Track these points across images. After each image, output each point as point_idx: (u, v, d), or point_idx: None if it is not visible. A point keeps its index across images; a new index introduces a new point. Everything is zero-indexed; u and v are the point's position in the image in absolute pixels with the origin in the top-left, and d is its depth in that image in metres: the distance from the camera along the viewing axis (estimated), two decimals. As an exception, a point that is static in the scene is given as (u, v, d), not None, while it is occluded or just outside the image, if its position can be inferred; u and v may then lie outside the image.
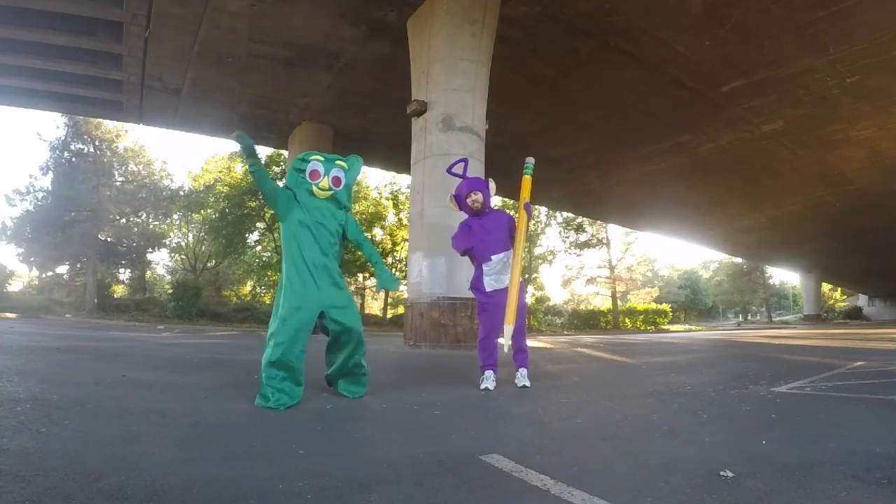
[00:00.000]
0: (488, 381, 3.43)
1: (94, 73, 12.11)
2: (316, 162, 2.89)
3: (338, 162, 2.96)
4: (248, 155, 2.83)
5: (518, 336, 3.48)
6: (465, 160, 3.82)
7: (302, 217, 2.87)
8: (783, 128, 13.77)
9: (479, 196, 3.56)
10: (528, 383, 3.44)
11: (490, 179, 3.68)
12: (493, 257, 3.53)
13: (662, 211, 22.49)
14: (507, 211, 3.61)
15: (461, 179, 3.69)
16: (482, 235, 3.56)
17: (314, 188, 2.88)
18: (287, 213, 2.88)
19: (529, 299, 27.47)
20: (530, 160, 3.79)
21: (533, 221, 27.73)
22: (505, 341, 3.38)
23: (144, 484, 1.40)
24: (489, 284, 3.54)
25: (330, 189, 2.91)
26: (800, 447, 1.97)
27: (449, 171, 3.81)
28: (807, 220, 23.20)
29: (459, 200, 3.65)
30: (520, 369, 3.54)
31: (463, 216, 3.75)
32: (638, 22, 9.39)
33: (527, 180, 3.71)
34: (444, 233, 5.98)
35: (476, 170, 7.61)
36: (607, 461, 1.80)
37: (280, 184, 3.00)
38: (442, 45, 8.25)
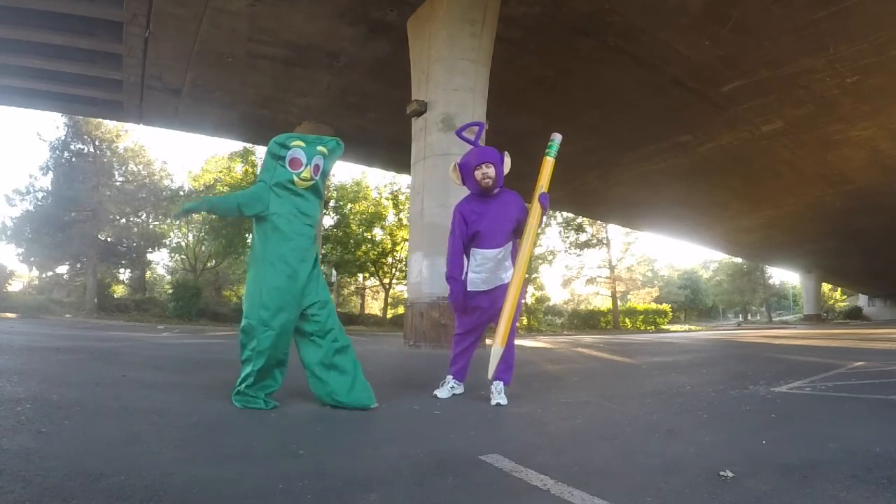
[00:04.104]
0: (445, 388, 3.07)
1: (94, 73, 12.12)
2: (297, 149, 2.62)
3: (319, 147, 2.70)
4: (193, 210, 2.74)
5: (506, 349, 2.90)
6: (480, 124, 3.19)
7: (279, 209, 2.61)
8: (783, 128, 13.77)
9: (490, 170, 2.91)
10: (503, 401, 2.85)
11: (506, 153, 3.02)
12: (487, 251, 2.94)
13: (662, 211, 22.50)
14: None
15: (471, 147, 3.08)
16: (491, 221, 2.94)
17: (295, 178, 2.62)
18: (265, 209, 2.62)
19: (529, 299, 27.43)
20: (556, 136, 3.09)
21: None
22: (490, 366, 2.84)
23: (144, 484, 1.39)
24: (473, 283, 2.98)
25: (312, 179, 2.66)
26: (800, 447, 1.97)
27: (458, 133, 3.19)
28: (807, 220, 23.20)
29: (465, 171, 2.99)
30: (496, 382, 2.93)
31: (461, 194, 3.13)
32: (638, 22, 9.38)
33: (548, 163, 3.03)
34: (444, 233, 5.95)
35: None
36: (607, 461, 1.80)
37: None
38: (442, 45, 8.25)
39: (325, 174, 2.79)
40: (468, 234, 3.00)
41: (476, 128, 3.17)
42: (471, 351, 3.17)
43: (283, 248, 2.59)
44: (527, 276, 24.43)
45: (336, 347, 2.67)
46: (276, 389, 2.65)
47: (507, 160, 3.04)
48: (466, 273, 3.06)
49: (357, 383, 2.66)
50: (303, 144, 2.64)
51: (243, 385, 2.57)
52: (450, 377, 3.15)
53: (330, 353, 2.65)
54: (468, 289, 3.03)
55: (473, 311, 3.07)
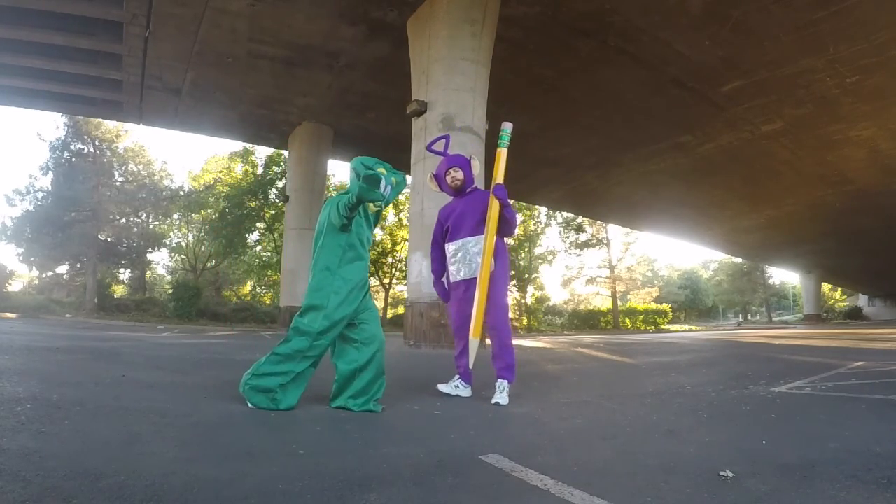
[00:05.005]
0: (450, 385, 3.14)
1: (94, 73, 12.13)
2: (382, 176, 2.70)
3: (392, 178, 2.79)
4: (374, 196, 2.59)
5: (501, 348, 3.01)
6: (446, 137, 3.49)
7: (357, 230, 2.76)
8: (783, 128, 13.77)
9: (458, 173, 3.23)
10: (502, 401, 2.85)
11: (473, 157, 3.33)
12: (457, 242, 3.17)
13: (662, 211, 22.50)
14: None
15: (442, 158, 3.37)
16: (458, 216, 3.20)
17: (370, 204, 2.74)
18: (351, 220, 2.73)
19: (529, 299, 27.41)
20: (507, 126, 3.25)
21: (533, 221, 27.67)
22: (470, 358, 3.03)
23: (144, 484, 1.39)
24: (458, 273, 3.16)
25: (380, 207, 2.82)
26: (800, 447, 1.97)
27: (429, 148, 3.49)
28: (807, 220, 23.21)
29: (439, 180, 3.33)
30: (498, 381, 2.99)
31: (442, 201, 3.38)
32: (638, 22, 9.39)
33: (500, 154, 3.19)
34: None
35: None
36: (607, 461, 1.80)
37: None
38: (442, 45, 8.25)
39: (386, 204, 2.90)
40: (441, 232, 3.32)
41: (443, 141, 3.44)
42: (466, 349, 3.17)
43: (355, 266, 2.73)
44: (527, 275, 24.20)
45: (379, 357, 2.73)
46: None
47: (475, 163, 3.29)
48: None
49: (379, 393, 2.71)
50: (385, 172, 2.73)
51: (277, 383, 2.52)
52: (457, 377, 3.18)
53: (371, 361, 2.69)
54: (450, 280, 3.24)
55: (456, 302, 3.18)
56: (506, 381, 2.97)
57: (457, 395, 3.09)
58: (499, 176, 3.13)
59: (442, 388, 3.15)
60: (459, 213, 3.20)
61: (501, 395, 2.90)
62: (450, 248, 3.23)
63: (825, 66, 10.68)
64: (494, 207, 3.04)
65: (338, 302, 2.63)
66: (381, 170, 2.70)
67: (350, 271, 2.71)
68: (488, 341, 3.12)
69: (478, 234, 3.11)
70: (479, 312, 2.96)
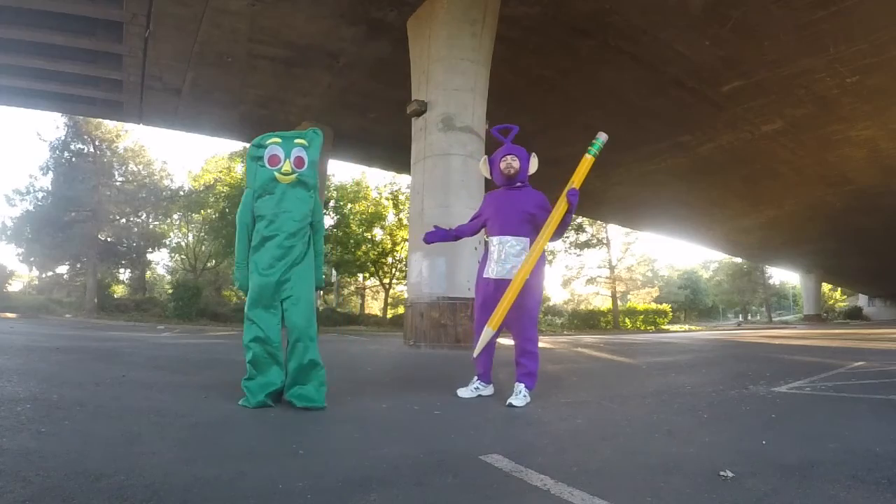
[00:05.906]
0: (469, 389, 3.09)
1: (94, 73, 12.12)
2: (273, 146, 2.67)
3: (297, 140, 2.72)
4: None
5: (523, 355, 2.94)
6: (514, 127, 3.26)
7: (264, 211, 2.65)
8: (783, 128, 13.77)
9: (515, 162, 3.07)
10: (516, 402, 2.79)
11: (534, 154, 3.16)
12: (495, 238, 3.04)
13: (662, 211, 22.49)
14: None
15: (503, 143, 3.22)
16: (499, 209, 3.07)
17: (276, 175, 2.65)
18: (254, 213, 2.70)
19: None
20: (602, 136, 3.17)
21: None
22: (477, 348, 2.95)
23: (144, 484, 1.39)
24: (489, 269, 3.04)
25: (293, 172, 2.68)
26: (800, 447, 1.97)
27: (493, 131, 3.31)
28: (807, 220, 23.21)
29: (493, 165, 3.18)
30: (517, 384, 2.93)
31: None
32: (638, 22, 9.39)
33: (586, 160, 3.10)
34: (444, 233, 5.97)
35: (475, 169, 7.59)
36: (607, 461, 1.80)
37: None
38: (442, 45, 8.25)
39: (314, 164, 2.80)
40: (479, 217, 3.24)
41: (510, 130, 3.25)
42: (491, 349, 3.11)
43: (264, 245, 2.65)
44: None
45: (300, 347, 2.62)
46: (275, 389, 2.61)
47: (535, 160, 3.16)
48: (483, 258, 3.18)
49: (308, 387, 2.60)
50: (279, 140, 2.70)
51: (243, 382, 2.64)
52: (476, 378, 3.13)
53: (288, 350, 2.65)
54: (483, 276, 3.10)
55: (482, 300, 3.05)
56: (523, 385, 2.91)
57: (478, 397, 3.05)
58: (577, 181, 3.04)
59: (462, 392, 3.07)
60: (500, 205, 3.08)
61: (517, 398, 2.83)
62: (488, 242, 3.11)
63: (825, 66, 10.68)
64: (560, 210, 2.92)
65: (253, 281, 2.63)
66: (273, 139, 2.69)
67: (258, 246, 2.66)
68: (509, 341, 3.04)
69: (519, 235, 3.00)
70: (505, 308, 2.82)
